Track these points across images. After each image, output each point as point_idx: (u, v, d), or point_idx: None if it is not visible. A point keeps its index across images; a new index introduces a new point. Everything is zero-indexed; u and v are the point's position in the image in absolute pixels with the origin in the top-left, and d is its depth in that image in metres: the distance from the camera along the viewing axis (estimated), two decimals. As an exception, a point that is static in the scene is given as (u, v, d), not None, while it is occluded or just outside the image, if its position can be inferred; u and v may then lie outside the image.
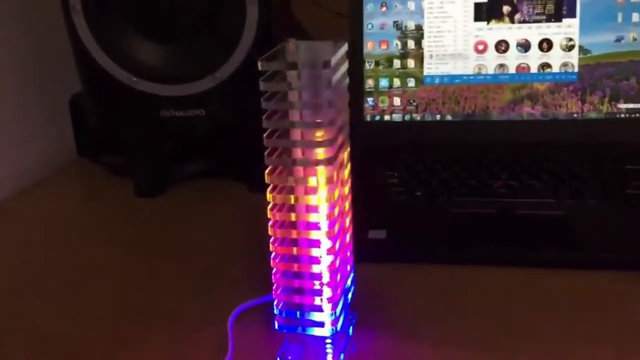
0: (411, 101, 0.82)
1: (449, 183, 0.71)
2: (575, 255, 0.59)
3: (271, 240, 0.44)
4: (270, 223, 0.43)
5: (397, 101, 0.82)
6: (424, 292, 0.56)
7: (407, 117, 0.82)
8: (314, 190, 0.42)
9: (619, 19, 0.76)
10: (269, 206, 0.43)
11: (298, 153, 0.41)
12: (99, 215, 0.76)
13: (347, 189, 0.46)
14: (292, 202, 0.43)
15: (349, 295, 0.49)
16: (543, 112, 0.79)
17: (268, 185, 0.43)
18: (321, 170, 0.41)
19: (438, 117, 0.81)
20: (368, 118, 0.83)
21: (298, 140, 0.41)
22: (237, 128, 0.71)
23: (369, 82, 0.82)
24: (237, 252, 0.64)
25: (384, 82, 0.82)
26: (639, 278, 0.56)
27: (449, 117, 0.81)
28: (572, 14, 0.77)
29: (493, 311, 0.53)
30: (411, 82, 0.81)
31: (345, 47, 0.45)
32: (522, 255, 0.60)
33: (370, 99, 0.82)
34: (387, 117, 0.83)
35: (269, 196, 0.43)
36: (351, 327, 0.49)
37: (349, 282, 0.49)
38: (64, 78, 0.82)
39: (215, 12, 0.68)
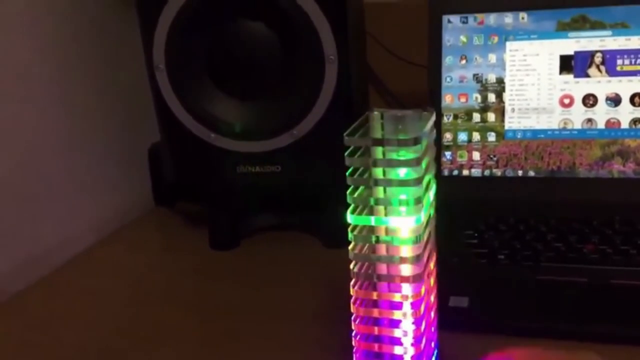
0: (491, 156, 0.79)
1: (534, 246, 0.67)
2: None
3: (353, 334, 0.42)
4: (352, 317, 0.41)
5: (476, 156, 0.79)
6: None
7: (486, 173, 0.79)
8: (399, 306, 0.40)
9: None
10: (352, 282, 0.41)
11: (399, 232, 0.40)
12: (175, 267, 0.76)
13: (432, 264, 0.44)
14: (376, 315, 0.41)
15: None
16: (635, 170, 0.74)
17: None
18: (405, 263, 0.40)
19: (520, 173, 0.78)
20: (446, 173, 0.80)
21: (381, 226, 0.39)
22: (312, 185, 0.70)
23: (447, 136, 0.80)
24: (314, 314, 0.62)
25: (462, 136, 0.79)
26: None
27: (531, 173, 0.78)
28: (667, 67, 0.73)
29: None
30: (491, 137, 0.79)
31: (433, 117, 0.43)
32: (617, 331, 0.55)
33: (448, 153, 0.80)
34: (465, 172, 0.80)
35: (352, 307, 0.41)
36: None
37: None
38: (144, 128, 0.85)
39: (294, 70, 0.68)
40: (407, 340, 0.41)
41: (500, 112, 0.78)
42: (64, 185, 0.83)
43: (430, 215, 0.43)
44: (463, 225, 0.72)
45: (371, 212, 0.40)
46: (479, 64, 0.78)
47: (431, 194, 0.43)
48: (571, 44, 0.75)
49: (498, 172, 0.79)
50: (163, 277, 0.74)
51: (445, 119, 0.80)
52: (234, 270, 0.74)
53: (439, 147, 0.80)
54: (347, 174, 0.40)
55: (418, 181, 0.38)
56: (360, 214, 0.40)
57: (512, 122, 0.78)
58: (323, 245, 0.76)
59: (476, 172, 0.80)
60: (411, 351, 0.41)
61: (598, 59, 0.74)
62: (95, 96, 0.87)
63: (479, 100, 0.79)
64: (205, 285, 0.71)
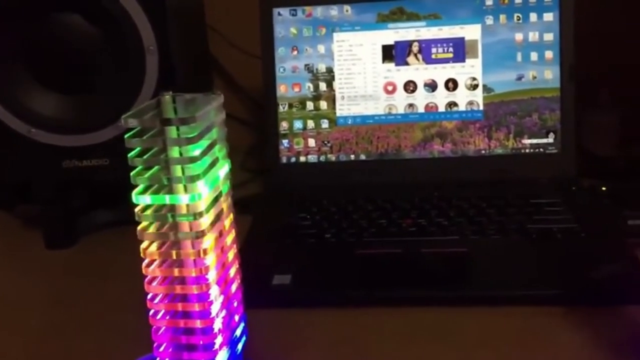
0: (325, 142, 0.82)
1: (359, 224, 0.71)
2: (477, 292, 0.60)
3: (149, 297, 0.43)
4: (146, 280, 0.42)
5: (311, 142, 0.83)
6: (327, 337, 0.56)
7: (322, 158, 0.83)
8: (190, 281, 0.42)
9: (519, 58, 0.79)
10: (145, 263, 0.42)
11: (182, 209, 0.41)
12: (7, 268, 0.74)
13: (229, 239, 0.46)
14: (175, 257, 0.42)
15: (239, 346, 0.48)
16: (453, 149, 0.81)
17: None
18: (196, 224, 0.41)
19: (352, 157, 0.82)
20: (284, 160, 0.83)
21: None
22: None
23: (284, 125, 0.83)
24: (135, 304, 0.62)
25: (298, 124, 0.83)
26: (540, 312, 0.56)
27: (363, 157, 0.82)
28: (474, 55, 0.79)
29: (398, 353, 0.53)
30: (325, 124, 0.82)
31: (220, 99, 0.45)
32: (425, 294, 0.60)
33: (285, 141, 0.83)
34: (302, 159, 0.83)
35: (142, 252, 0.42)
36: (245, 380, 0.48)
37: (238, 333, 0.48)
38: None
39: (116, 62, 0.67)
40: (202, 314, 0.42)
41: (332, 100, 0.82)
42: None
43: (221, 192, 0.44)
44: (299, 210, 0.75)
45: (168, 191, 0.42)
46: (310, 55, 0.82)
47: (221, 172, 0.44)
48: (391, 35, 0.80)
49: (332, 157, 0.83)
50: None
51: (280, 108, 0.82)
52: (66, 268, 0.72)
53: (276, 135, 0.83)
54: (129, 155, 0.41)
55: (193, 159, 0.40)
56: (153, 193, 0.41)
57: (342, 109, 0.82)
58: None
59: (312, 158, 0.83)
60: (204, 324, 0.42)
61: (415, 48, 0.80)
62: None
63: (311, 89, 0.82)
64: (34, 283, 0.69)
